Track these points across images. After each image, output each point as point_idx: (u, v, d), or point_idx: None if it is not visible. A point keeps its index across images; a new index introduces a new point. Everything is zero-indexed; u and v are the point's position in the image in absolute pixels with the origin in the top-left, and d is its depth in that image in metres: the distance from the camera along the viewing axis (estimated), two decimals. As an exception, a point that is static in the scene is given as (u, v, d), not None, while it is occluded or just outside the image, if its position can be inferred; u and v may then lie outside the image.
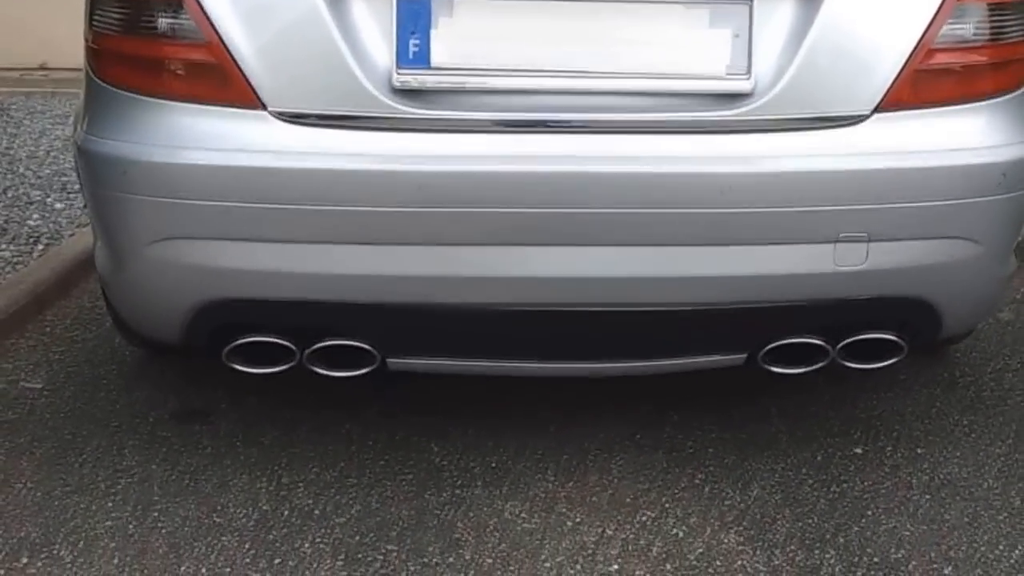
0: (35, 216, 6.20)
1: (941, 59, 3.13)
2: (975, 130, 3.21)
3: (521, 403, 3.94)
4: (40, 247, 5.64)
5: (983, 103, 3.21)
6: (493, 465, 3.68)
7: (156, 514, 3.41)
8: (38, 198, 6.58)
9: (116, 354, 4.35)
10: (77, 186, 6.61)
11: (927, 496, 3.57)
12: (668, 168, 3.05)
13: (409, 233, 3.04)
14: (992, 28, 3.18)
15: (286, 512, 3.42)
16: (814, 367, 3.46)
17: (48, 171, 7.16)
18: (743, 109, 3.05)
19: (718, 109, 3.06)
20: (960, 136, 3.18)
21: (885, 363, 3.50)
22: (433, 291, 3.14)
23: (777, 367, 3.47)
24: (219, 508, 3.44)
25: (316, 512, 3.42)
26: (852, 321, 3.38)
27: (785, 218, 3.10)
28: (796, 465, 3.72)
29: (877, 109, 3.10)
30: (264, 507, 3.44)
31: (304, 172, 2.97)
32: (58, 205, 6.43)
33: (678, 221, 3.08)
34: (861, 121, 3.11)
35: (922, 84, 3.13)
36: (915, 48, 3.09)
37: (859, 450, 3.83)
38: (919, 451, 3.83)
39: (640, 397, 3.99)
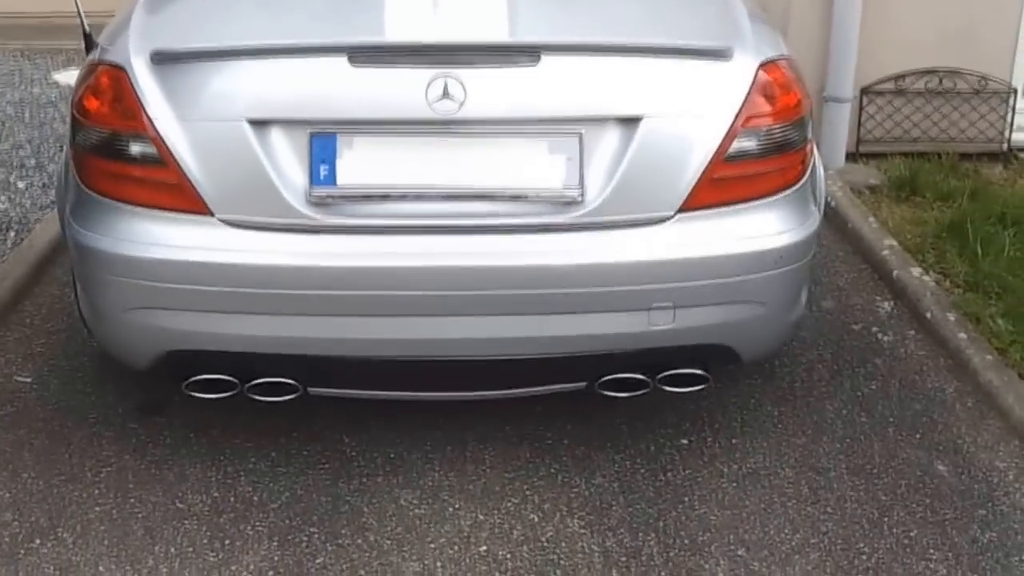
0: (2, 199, 6.70)
1: (730, 170, 3.76)
2: (759, 222, 3.85)
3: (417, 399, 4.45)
4: (12, 234, 6.20)
5: (766, 200, 3.86)
6: (392, 456, 4.30)
7: (133, 501, 4.07)
8: (1, 177, 7.07)
9: (86, 346, 4.88)
10: (33, 161, 7.20)
11: (734, 484, 4.14)
12: (518, 260, 3.74)
13: (320, 307, 3.83)
14: (774, 142, 3.82)
15: (232, 499, 4.09)
16: (639, 393, 4.08)
17: (6, 145, 7.57)
18: (576, 214, 3.73)
19: (557, 215, 3.74)
20: (746, 228, 3.82)
21: (696, 388, 4.11)
22: (337, 347, 3.93)
23: (609, 392, 4.10)
24: (180, 495, 4.10)
25: (255, 499, 4.09)
26: (666, 361, 4.01)
27: (608, 294, 3.78)
28: (633, 456, 4.29)
29: (679, 211, 3.75)
30: (215, 494, 4.11)
31: (242, 264, 3.73)
32: (20, 184, 6.92)
33: (527, 298, 3.77)
34: (666, 221, 3.77)
35: (715, 189, 3.75)
36: (709, 163, 3.72)
37: (685, 441, 4.40)
38: (734, 441, 4.40)
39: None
